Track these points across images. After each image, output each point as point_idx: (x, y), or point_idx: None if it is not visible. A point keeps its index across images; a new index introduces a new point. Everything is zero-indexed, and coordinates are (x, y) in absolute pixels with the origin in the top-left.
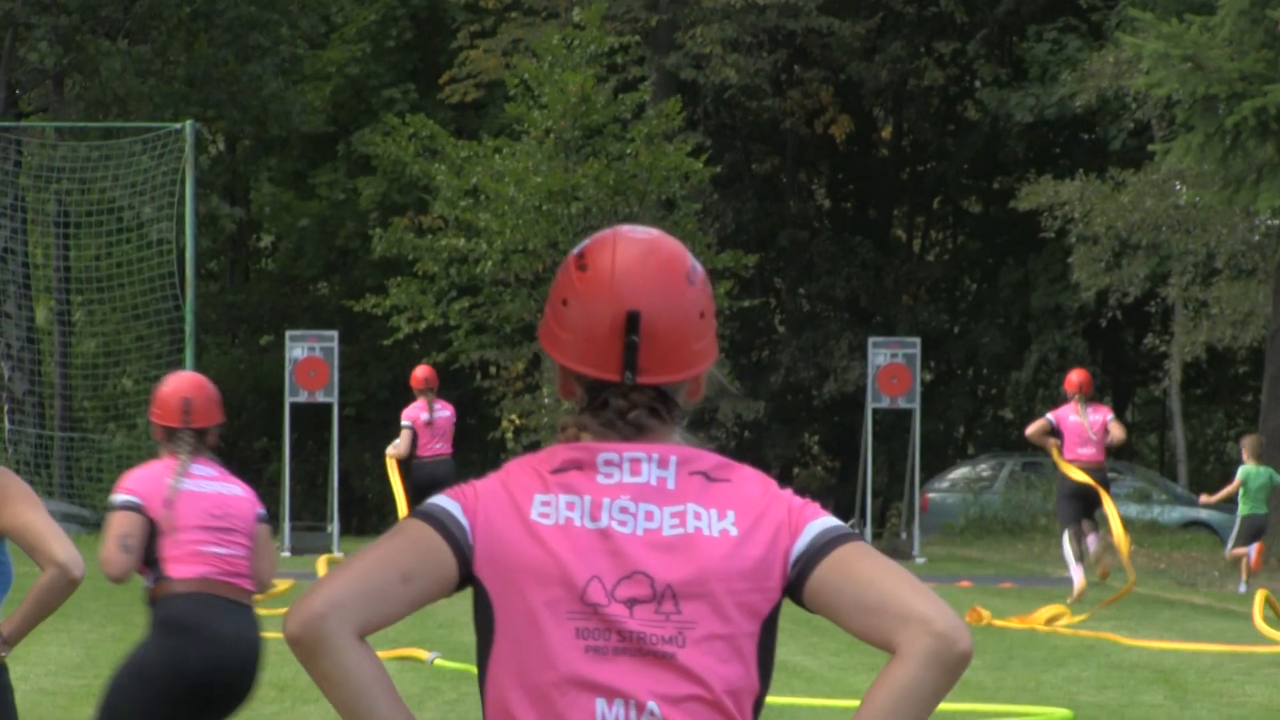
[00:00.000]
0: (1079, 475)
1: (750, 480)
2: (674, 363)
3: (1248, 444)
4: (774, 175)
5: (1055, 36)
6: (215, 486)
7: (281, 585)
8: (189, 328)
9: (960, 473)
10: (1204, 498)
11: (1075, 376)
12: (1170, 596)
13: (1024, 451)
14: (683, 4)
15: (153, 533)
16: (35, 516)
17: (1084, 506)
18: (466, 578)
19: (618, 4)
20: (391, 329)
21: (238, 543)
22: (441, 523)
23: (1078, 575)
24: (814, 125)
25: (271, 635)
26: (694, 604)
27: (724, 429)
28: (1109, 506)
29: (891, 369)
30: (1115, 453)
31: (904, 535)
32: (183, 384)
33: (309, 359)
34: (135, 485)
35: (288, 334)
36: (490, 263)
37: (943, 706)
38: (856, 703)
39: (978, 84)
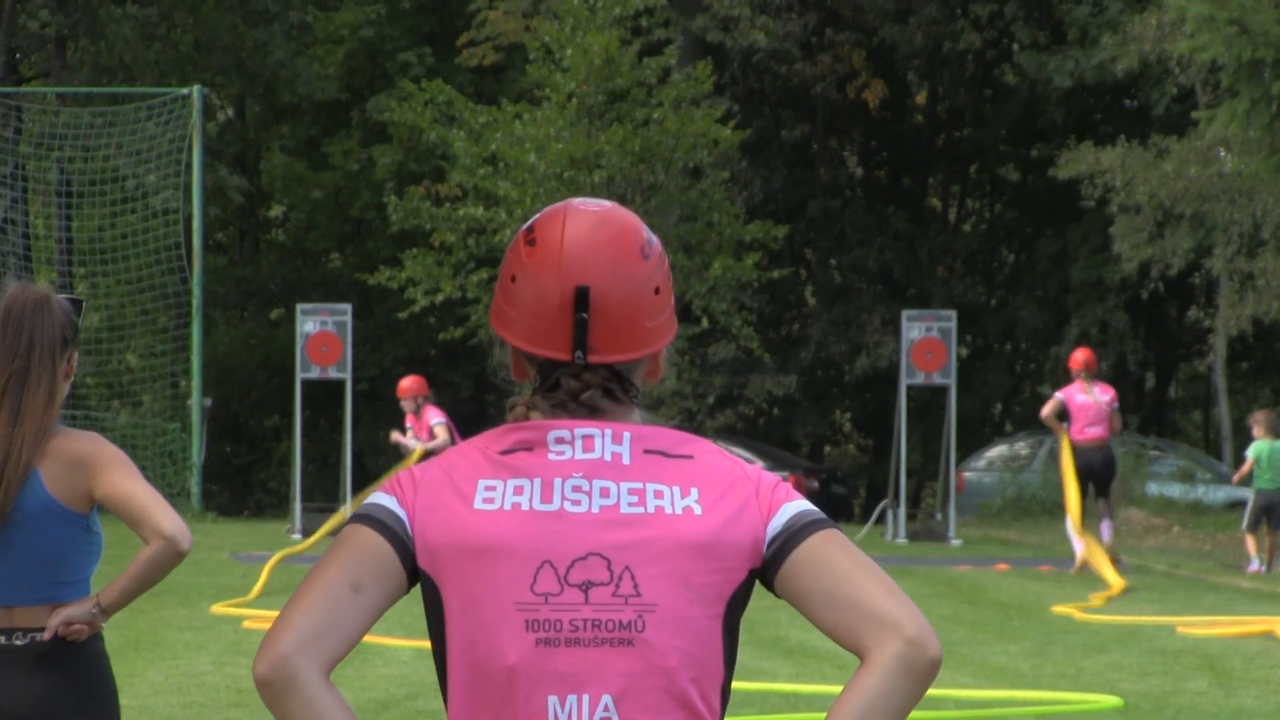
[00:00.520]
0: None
1: (714, 456)
2: (627, 341)
3: (1261, 419)
4: (804, 143)
5: None
6: None
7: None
8: (196, 301)
9: (997, 451)
10: (1235, 478)
11: (1081, 355)
12: (1215, 580)
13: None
14: None
15: None
16: (136, 486)
17: (1091, 487)
18: (413, 572)
19: None
20: (407, 301)
21: None
22: (379, 521)
23: (1080, 547)
24: (846, 90)
25: None
26: (654, 585)
27: (752, 405)
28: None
29: (926, 344)
30: (1158, 430)
31: (939, 516)
32: None
33: (321, 334)
34: None
35: (299, 308)
36: (510, 232)
37: (991, 694)
38: None
39: (1016, 47)
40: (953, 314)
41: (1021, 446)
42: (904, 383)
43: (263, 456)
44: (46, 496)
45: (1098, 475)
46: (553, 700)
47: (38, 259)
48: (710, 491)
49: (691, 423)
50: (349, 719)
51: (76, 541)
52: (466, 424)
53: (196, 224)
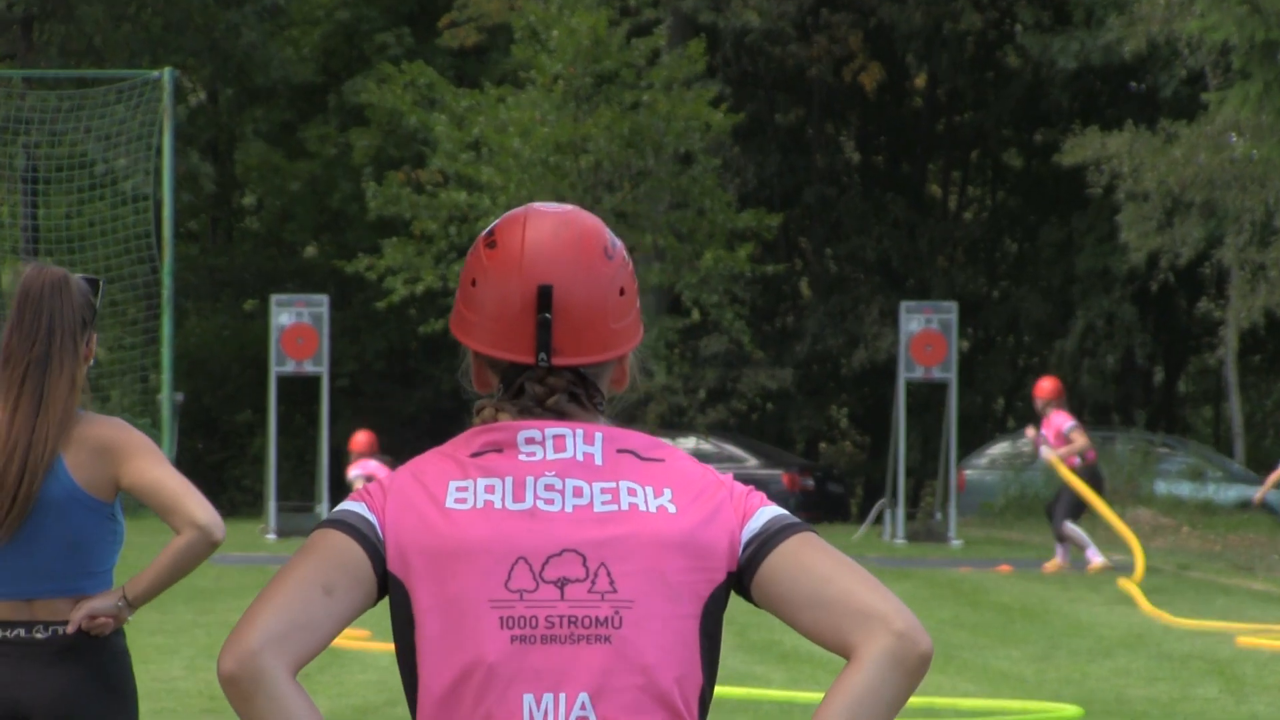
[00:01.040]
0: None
1: (685, 461)
2: (591, 342)
3: None
4: (799, 127)
5: None
6: None
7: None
8: (167, 291)
9: (1000, 449)
10: (1256, 496)
11: (1048, 384)
12: (1226, 582)
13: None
14: None
15: None
16: (165, 473)
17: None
18: (383, 580)
19: None
20: (386, 291)
21: None
22: (350, 525)
23: (1096, 557)
24: (842, 73)
25: None
26: (631, 581)
27: (745, 400)
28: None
29: (926, 336)
30: (1167, 427)
31: (939, 516)
32: None
33: (296, 325)
34: None
35: (274, 298)
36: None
37: (955, 702)
38: None
39: (1018, 27)
40: (953, 305)
41: (1025, 444)
42: (903, 377)
43: (236, 453)
44: (71, 484)
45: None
46: (528, 699)
47: (2, 248)
48: (684, 493)
49: (682, 418)
50: (317, 719)
51: (101, 531)
52: (448, 420)
53: (167, 211)
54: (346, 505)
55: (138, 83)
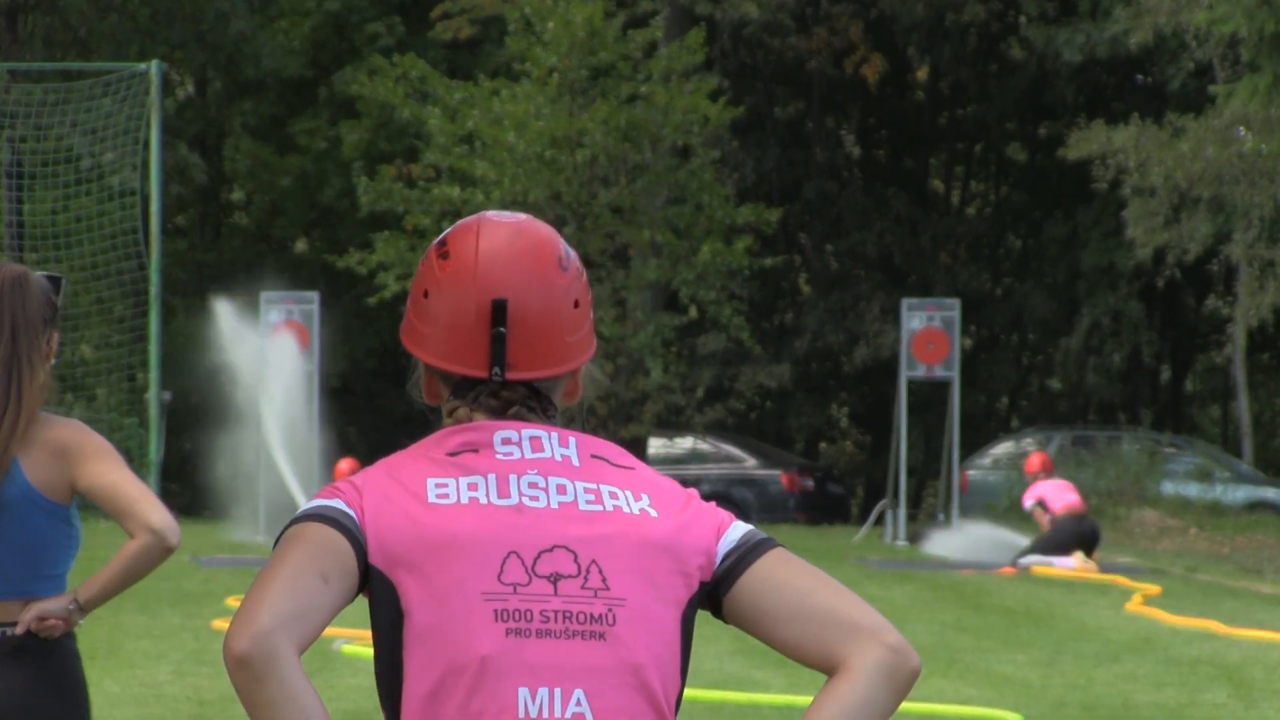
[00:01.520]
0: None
1: (653, 472)
2: (545, 356)
3: None
4: (799, 121)
5: None
6: None
7: None
8: (154, 288)
9: (1003, 448)
10: None
11: (1038, 459)
12: (1234, 584)
13: (1073, 425)
14: None
15: None
16: (122, 476)
17: (1080, 544)
18: (364, 575)
19: None
20: (378, 287)
21: None
22: (333, 519)
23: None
24: (843, 66)
25: None
26: (623, 579)
27: (744, 399)
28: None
29: (928, 334)
30: (1174, 426)
31: (941, 517)
32: None
33: (287, 323)
34: None
35: (263, 295)
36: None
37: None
38: None
39: (1023, 19)
40: (956, 302)
41: (1029, 443)
42: (904, 375)
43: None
44: (27, 486)
45: (1087, 536)
46: (523, 692)
47: None
48: (659, 500)
49: (679, 418)
50: (322, 707)
51: (56, 534)
52: (443, 421)
53: (155, 206)
54: (322, 501)
55: (125, 75)
